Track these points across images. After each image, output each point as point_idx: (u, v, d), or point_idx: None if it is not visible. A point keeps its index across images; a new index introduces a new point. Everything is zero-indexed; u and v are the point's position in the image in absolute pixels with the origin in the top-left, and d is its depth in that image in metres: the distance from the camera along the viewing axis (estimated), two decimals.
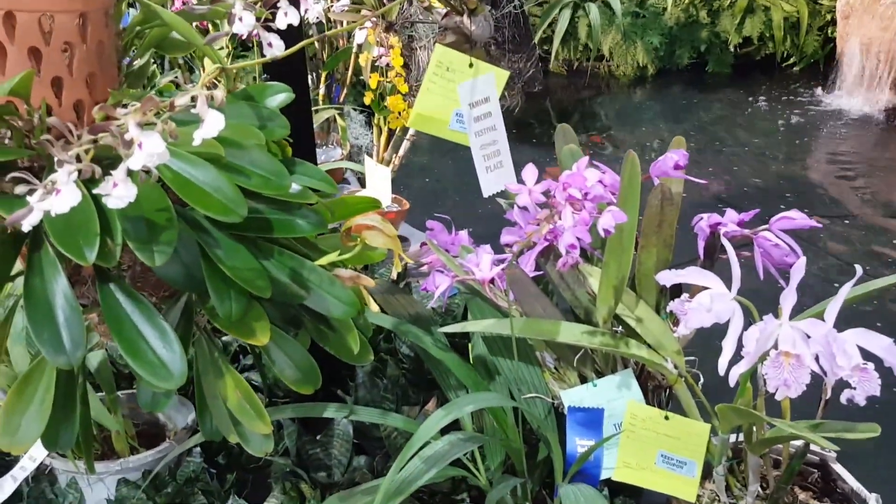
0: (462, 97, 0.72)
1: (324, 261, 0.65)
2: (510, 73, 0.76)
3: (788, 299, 0.63)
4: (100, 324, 0.67)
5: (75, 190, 0.43)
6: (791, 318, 0.65)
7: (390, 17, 0.98)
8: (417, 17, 0.93)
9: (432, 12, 0.72)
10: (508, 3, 0.73)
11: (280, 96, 0.71)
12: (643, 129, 3.44)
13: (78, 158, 0.44)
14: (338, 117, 2.03)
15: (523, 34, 0.74)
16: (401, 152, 1.68)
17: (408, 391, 1.15)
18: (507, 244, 0.92)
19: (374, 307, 0.65)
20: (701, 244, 0.83)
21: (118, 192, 0.44)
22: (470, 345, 1.03)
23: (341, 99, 2.19)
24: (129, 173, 0.45)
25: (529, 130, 2.94)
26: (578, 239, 0.65)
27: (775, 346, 0.63)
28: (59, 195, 0.42)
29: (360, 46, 1.53)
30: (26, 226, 0.43)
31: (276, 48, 0.61)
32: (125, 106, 0.64)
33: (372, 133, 1.78)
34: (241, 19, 0.57)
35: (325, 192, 0.70)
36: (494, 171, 0.78)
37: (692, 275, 0.67)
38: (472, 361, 0.99)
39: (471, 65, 0.72)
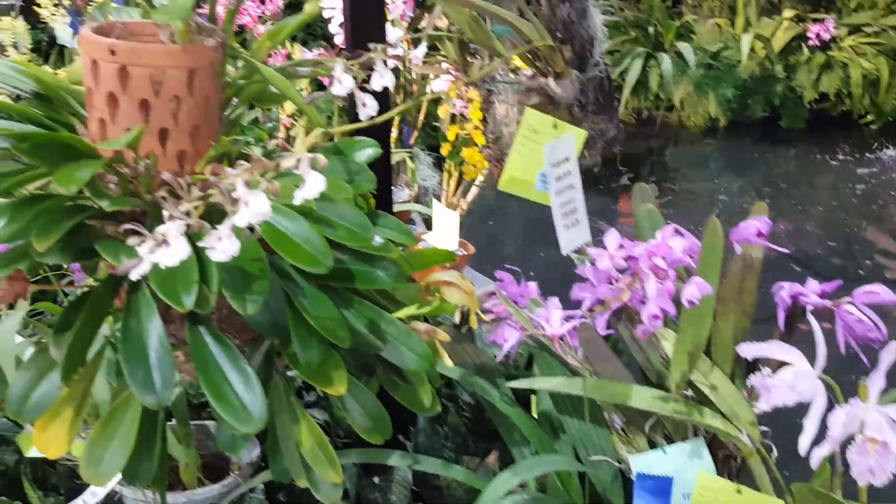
0: (546, 157, 0.73)
1: (402, 314, 0.66)
2: (591, 133, 0.77)
3: (876, 382, 0.61)
4: (185, 362, 0.69)
5: (185, 244, 0.45)
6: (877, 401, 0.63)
7: (473, 75, 1.00)
8: (498, 72, 0.95)
9: (517, 73, 0.74)
10: (594, 68, 0.74)
11: (368, 151, 0.73)
12: (714, 181, 3.40)
13: (187, 213, 0.46)
14: (408, 159, 2.07)
15: (607, 96, 0.75)
16: (469, 198, 1.69)
17: (468, 440, 1.15)
18: (578, 299, 0.92)
19: (449, 362, 0.65)
20: (781, 315, 0.81)
21: (222, 247, 0.46)
22: (534, 398, 1.02)
23: (411, 141, 2.23)
24: (234, 229, 0.47)
25: (594, 175, 2.94)
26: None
27: (860, 429, 0.61)
28: (168, 248, 0.44)
29: (433, 92, 1.56)
30: (135, 275, 0.46)
31: (370, 108, 0.64)
32: (227, 158, 0.67)
33: (440, 174, 1.81)
34: (340, 81, 0.60)
35: (404, 244, 0.71)
36: (572, 229, 0.78)
37: (775, 349, 0.66)
38: (536, 416, 0.98)
39: (555, 125, 0.73)
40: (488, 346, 1.23)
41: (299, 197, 0.49)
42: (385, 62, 0.63)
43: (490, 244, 2.46)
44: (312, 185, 0.48)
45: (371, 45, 0.63)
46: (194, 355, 0.61)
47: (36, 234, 0.52)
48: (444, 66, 1.14)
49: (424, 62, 1.08)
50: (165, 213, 0.48)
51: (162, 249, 0.44)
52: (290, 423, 0.70)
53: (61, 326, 0.56)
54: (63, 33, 2.36)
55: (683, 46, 3.82)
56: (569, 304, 1.00)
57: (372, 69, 0.64)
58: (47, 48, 2.88)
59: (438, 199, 1.78)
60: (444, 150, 1.21)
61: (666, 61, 3.63)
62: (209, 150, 0.66)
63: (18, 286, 0.55)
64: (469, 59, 1.01)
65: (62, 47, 2.62)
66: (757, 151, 3.75)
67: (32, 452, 0.97)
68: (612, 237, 0.67)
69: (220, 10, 1.38)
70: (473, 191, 1.69)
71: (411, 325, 0.67)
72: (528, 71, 0.75)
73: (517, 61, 0.79)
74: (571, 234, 0.78)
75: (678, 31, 3.96)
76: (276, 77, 0.63)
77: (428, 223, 1.94)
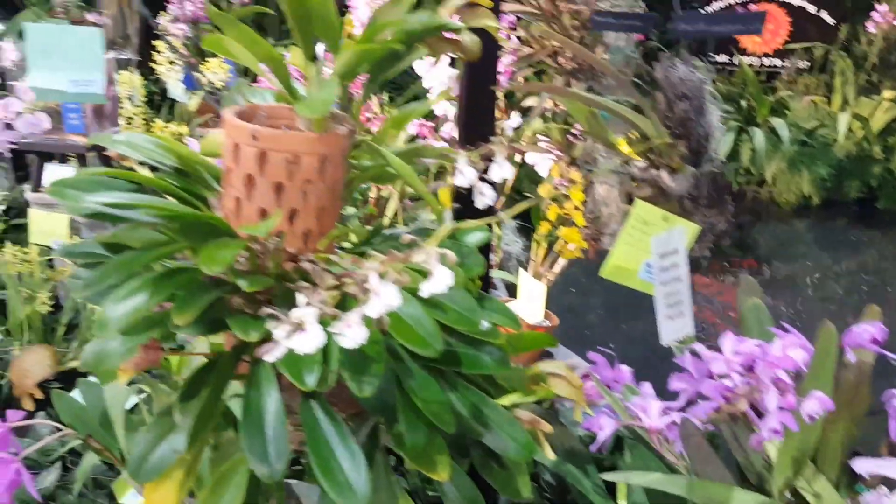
0: (654, 248, 0.73)
1: (505, 401, 0.67)
2: (702, 226, 0.77)
3: None
4: (292, 431, 0.71)
5: (321, 332, 0.47)
6: None
7: (574, 154, 1.02)
8: (600, 154, 0.97)
9: (629, 164, 0.74)
10: (709, 163, 0.75)
11: (479, 235, 0.75)
12: (807, 262, 3.29)
13: (323, 301, 0.48)
14: (494, 226, 2.09)
15: (720, 190, 0.75)
16: (556, 269, 1.70)
17: None
18: (676, 390, 0.91)
19: (550, 454, 0.65)
20: (893, 425, 0.78)
21: (352, 334, 0.48)
22: (621, 486, 1.00)
23: (498, 206, 2.26)
24: (363, 317, 0.49)
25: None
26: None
27: None
28: (305, 335, 0.47)
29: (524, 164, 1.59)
30: (271, 358, 0.48)
31: (487, 198, 0.65)
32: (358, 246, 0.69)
33: (522, 240, 1.83)
34: (463, 174, 0.62)
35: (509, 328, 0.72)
36: (675, 320, 0.78)
37: (893, 468, 0.63)
38: None
39: (665, 218, 0.73)
40: (571, 424, 1.22)
41: (426, 290, 0.51)
42: (505, 155, 0.65)
43: (571, 315, 2.44)
44: (440, 280, 0.49)
45: (493, 138, 0.65)
46: (306, 429, 0.62)
47: (176, 309, 0.55)
48: (541, 144, 1.17)
49: (529, 143, 1.10)
50: (300, 296, 0.50)
51: (299, 335, 0.47)
52: (388, 500, 0.71)
53: (188, 394, 0.59)
54: (175, 88, 2.50)
55: (777, 122, 3.77)
56: (651, 380, 0.99)
57: (491, 160, 0.66)
58: (159, 101, 3.07)
59: (522, 264, 1.79)
60: (543, 228, 1.22)
61: (759, 136, 3.58)
62: (331, 228, 0.69)
63: (153, 354, 0.58)
64: (571, 140, 1.03)
65: (173, 100, 2.78)
66: (852, 233, 3.63)
67: (127, 499, 1.01)
68: (729, 341, 0.67)
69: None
70: (561, 262, 1.69)
71: (514, 413, 0.67)
72: (640, 162, 0.75)
73: (625, 148, 0.80)
74: (674, 325, 0.78)
75: (772, 107, 3.91)
76: (403, 167, 0.66)
77: (510, 289, 1.95)
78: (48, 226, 1.77)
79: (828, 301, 2.77)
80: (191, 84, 2.53)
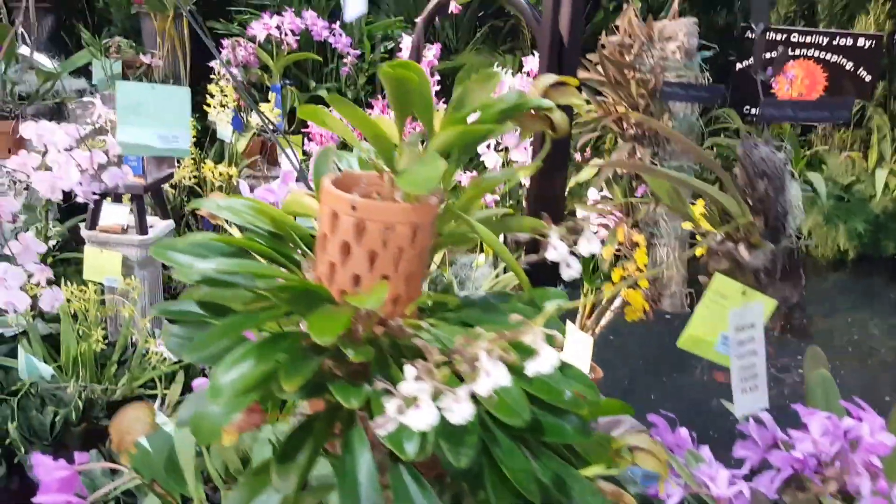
0: (731, 322, 0.74)
1: (589, 472, 0.67)
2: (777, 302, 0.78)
3: None
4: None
5: (434, 410, 0.49)
6: None
7: (637, 217, 1.04)
8: (662, 217, 0.98)
9: (706, 235, 0.76)
10: (786, 239, 0.76)
11: (557, 301, 0.76)
12: (846, 318, 3.26)
13: (432, 376, 0.50)
14: None
15: (794, 264, 0.76)
16: (603, 322, 1.70)
17: None
18: (741, 457, 0.91)
19: None
20: None
21: (459, 410, 0.50)
22: None
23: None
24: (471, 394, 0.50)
25: None
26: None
27: None
28: (420, 412, 0.48)
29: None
30: (383, 432, 0.50)
31: (573, 270, 0.67)
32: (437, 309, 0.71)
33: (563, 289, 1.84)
34: (555, 248, 0.64)
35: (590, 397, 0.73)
36: (750, 394, 0.78)
37: None
38: None
39: (743, 292, 0.74)
40: (630, 483, 1.21)
41: (532, 370, 0.52)
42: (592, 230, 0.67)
43: (615, 366, 2.44)
44: (546, 361, 0.51)
45: (580, 214, 0.67)
46: (394, 493, 0.64)
47: (284, 376, 0.57)
48: (600, 204, 1.18)
49: (594, 203, 1.12)
50: (409, 369, 0.52)
51: (414, 412, 0.48)
52: None
53: (286, 457, 0.61)
54: (224, 130, 2.56)
55: (814, 177, 3.77)
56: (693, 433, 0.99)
57: (579, 234, 0.68)
58: (208, 142, 3.15)
59: (567, 317, 1.80)
60: (606, 289, 1.24)
61: (795, 188, 3.58)
62: (418, 293, 0.71)
63: (255, 417, 0.60)
64: (634, 201, 1.04)
65: (220, 141, 2.85)
66: (891, 289, 3.59)
67: None
68: (817, 421, 0.67)
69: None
70: (608, 316, 1.70)
71: (597, 484, 0.68)
72: (717, 235, 0.77)
73: (699, 219, 0.81)
74: (749, 398, 0.78)
75: (808, 161, 3.91)
76: (491, 238, 0.68)
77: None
78: (102, 263, 1.81)
79: (871, 357, 2.74)
80: (239, 126, 2.60)
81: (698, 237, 0.87)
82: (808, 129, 4.28)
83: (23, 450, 1.41)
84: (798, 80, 3.73)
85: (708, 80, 1.05)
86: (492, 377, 0.49)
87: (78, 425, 1.46)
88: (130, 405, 0.69)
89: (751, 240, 0.72)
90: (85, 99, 2.08)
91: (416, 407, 0.48)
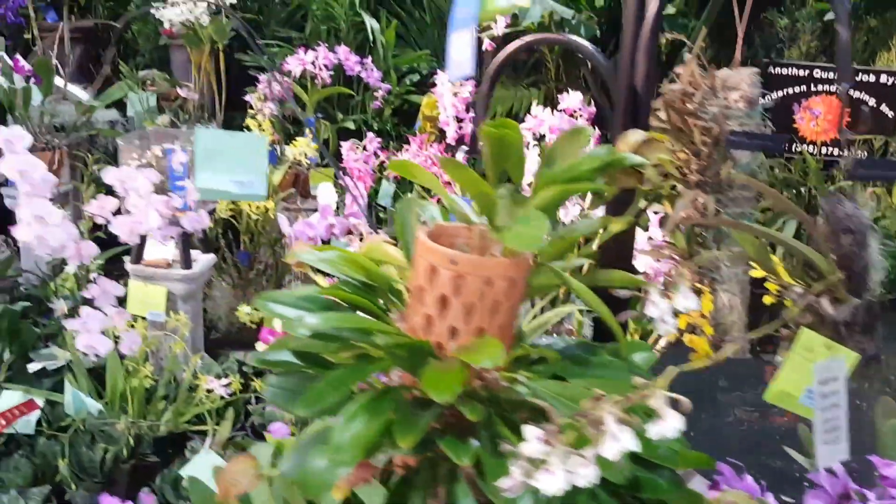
0: (815, 375, 0.75)
1: None
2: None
3: None
4: None
5: (565, 475, 0.49)
6: None
7: (700, 263, 1.05)
8: (724, 262, 0.99)
9: (787, 289, 0.77)
10: (867, 293, 0.77)
11: (644, 355, 0.77)
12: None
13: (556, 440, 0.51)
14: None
15: (873, 317, 0.77)
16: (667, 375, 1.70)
17: None
18: None
19: None
20: None
21: (585, 472, 0.50)
22: None
23: None
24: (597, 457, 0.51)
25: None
26: None
27: None
28: (551, 477, 0.49)
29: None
30: (511, 494, 0.50)
31: (669, 325, 0.68)
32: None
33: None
34: (655, 304, 0.65)
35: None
36: (832, 445, 0.78)
37: None
38: None
39: (828, 346, 0.75)
40: None
41: (654, 433, 0.53)
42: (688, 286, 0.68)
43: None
44: (670, 425, 0.51)
45: (676, 268, 0.68)
46: None
47: (399, 432, 0.57)
48: (659, 248, 1.19)
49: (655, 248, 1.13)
50: (532, 430, 0.52)
51: (544, 476, 0.49)
52: None
53: None
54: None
55: None
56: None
57: (674, 289, 0.68)
58: None
59: None
60: (670, 337, 1.24)
61: (876, 244, 3.58)
62: (511, 344, 0.72)
63: (366, 471, 0.60)
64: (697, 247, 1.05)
65: None
66: None
67: None
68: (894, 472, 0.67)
69: None
70: (673, 370, 1.69)
71: None
72: (797, 288, 0.78)
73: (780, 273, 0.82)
74: (830, 449, 0.78)
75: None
76: (582, 289, 0.68)
77: None
78: (146, 297, 1.82)
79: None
80: (273, 159, 2.63)
81: (772, 286, 0.88)
82: (830, 163, 4.29)
83: (73, 486, 1.41)
84: (821, 117, 3.75)
85: (771, 128, 1.06)
86: (620, 441, 0.50)
87: (127, 462, 1.47)
88: (235, 458, 0.70)
89: (836, 295, 0.73)
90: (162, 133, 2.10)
91: (546, 471, 0.49)
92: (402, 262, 0.81)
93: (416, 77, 3.62)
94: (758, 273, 0.93)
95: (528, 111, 3.21)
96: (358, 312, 0.73)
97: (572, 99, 2.01)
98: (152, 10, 2.45)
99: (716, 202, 1.07)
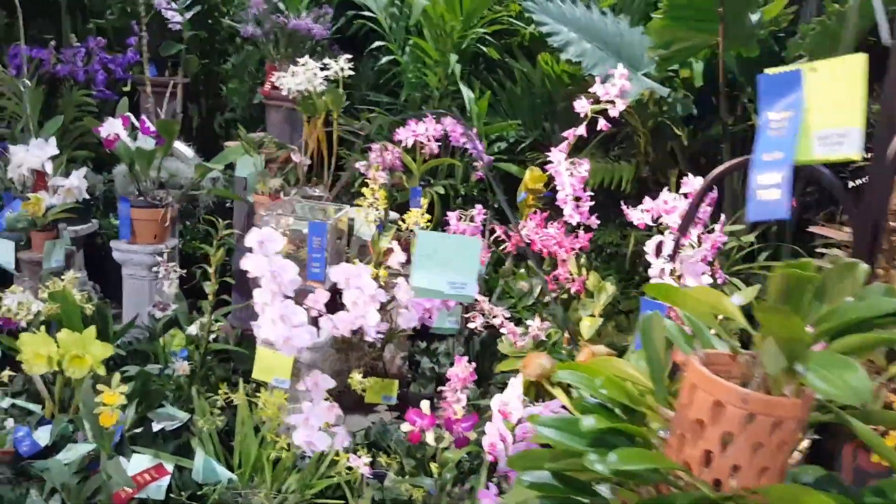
0: None
1: None
2: None
3: None
4: None
5: None
6: None
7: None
8: None
9: None
10: None
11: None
12: None
13: None
14: None
15: None
16: None
17: None
18: None
19: None
20: None
21: None
22: None
23: None
24: None
25: None
26: None
27: None
28: None
29: None
30: None
31: None
32: None
33: None
34: None
35: None
36: None
37: None
38: None
39: None
40: None
41: None
42: None
43: None
44: None
45: None
46: None
47: None
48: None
49: None
50: None
51: None
52: None
53: None
54: (366, 230, 2.63)
55: None
56: None
57: None
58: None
59: None
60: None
61: None
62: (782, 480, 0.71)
63: None
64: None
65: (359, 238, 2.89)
66: None
67: None
68: None
69: None
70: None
71: None
72: None
73: None
74: None
75: None
76: (867, 433, 0.68)
77: None
78: (273, 364, 1.84)
79: None
80: (380, 226, 2.66)
81: None
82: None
83: None
84: None
85: None
86: None
87: None
88: None
89: None
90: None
91: None
92: (644, 384, 0.81)
93: (503, 144, 3.67)
94: None
95: (620, 185, 3.23)
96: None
97: (695, 182, 2.01)
98: (275, 80, 2.53)
99: None
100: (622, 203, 2.09)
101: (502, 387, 2.26)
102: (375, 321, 1.29)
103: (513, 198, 3.87)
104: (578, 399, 0.80)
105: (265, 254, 1.14)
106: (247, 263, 1.16)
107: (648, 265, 1.85)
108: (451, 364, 2.60)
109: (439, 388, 2.46)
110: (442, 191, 3.46)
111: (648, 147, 3.53)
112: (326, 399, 1.38)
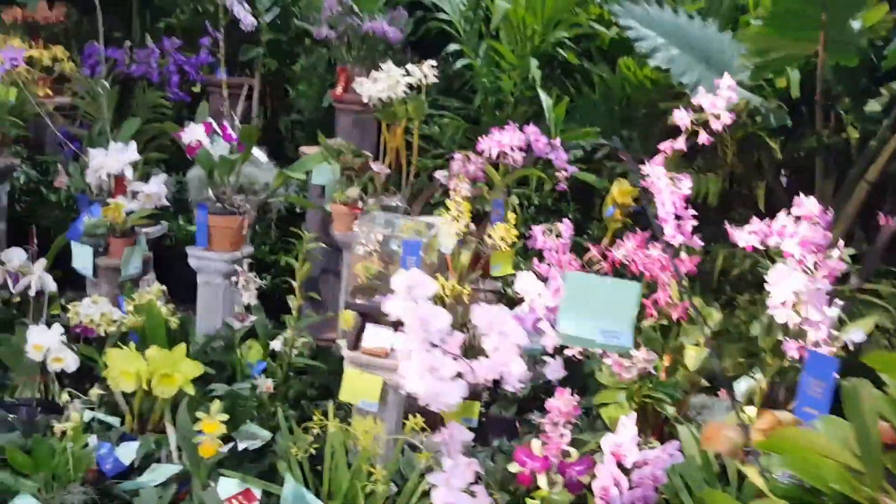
0: None
1: None
2: None
3: None
4: None
5: None
6: None
7: None
8: None
9: None
10: None
11: None
12: None
13: None
14: None
15: None
16: None
17: None
18: None
19: None
20: None
21: None
22: None
23: None
24: None
25: None
26: None
27: None
28: None
29: None
30: None
31: None
32: None
33: None
34: None
35: None
36: None
37: None
38: None
39: None
40: None
41: None
42: None
43: None
44: None
45: None
46: None
47: None
48: None
49: None
50: None
51: None
52: None
53: None
54: (447, 242, 2.54)
55: None
56: None
57: None
58: None
59: None
60: None
61: None
62: None
63: None
64: None
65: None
66: None
67: None
68: None
69: None
70: None
71: None
72: None
73: None
74: None
75: None
76: None
77: None
78: (361, 386, 1.77)
79: None
80: (460, 240, 2.57)
81: None
82: None
83: None
84: None
85: None
86: None
87: None
88: None
89: None
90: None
91: None
92: (848, 461, 0.70)
93: (578, 153, 3.56)
94: None
95: (707, 197, 3.09)
96: None
97: (810, 204, 1.87)
98: (355, 86, 2.46)
99: None
100: (725, 222, 1.97)
101: (587, 414, 2.14)
102: (520, 372, 1.19)
103: (587, 208, 3.75)
104: (773, 481, 0.70)
105: (414, 299, 1.06)
106: (391, 307, 1.07)
107: (733, 284, 1.73)
108: (533, 386, 2.49)
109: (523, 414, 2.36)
110: (517, 201, 3.36)
111: (735, 158, 3.38)
112: (463, 453, 1.29)
